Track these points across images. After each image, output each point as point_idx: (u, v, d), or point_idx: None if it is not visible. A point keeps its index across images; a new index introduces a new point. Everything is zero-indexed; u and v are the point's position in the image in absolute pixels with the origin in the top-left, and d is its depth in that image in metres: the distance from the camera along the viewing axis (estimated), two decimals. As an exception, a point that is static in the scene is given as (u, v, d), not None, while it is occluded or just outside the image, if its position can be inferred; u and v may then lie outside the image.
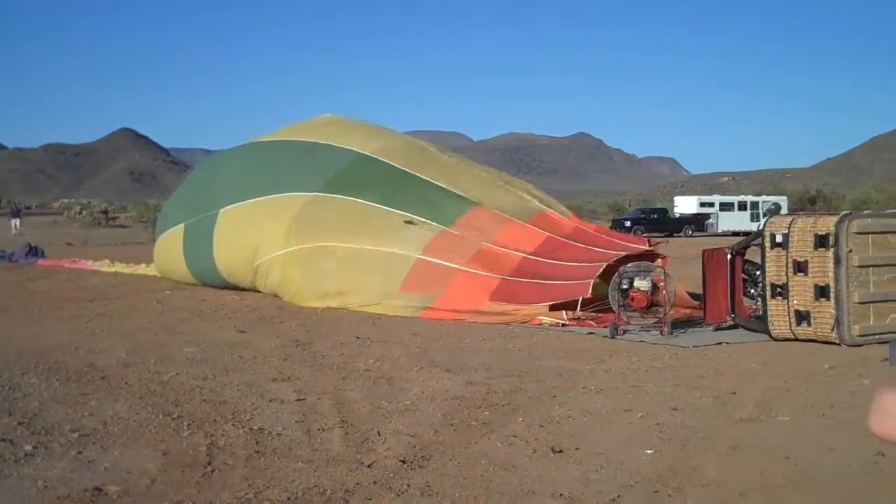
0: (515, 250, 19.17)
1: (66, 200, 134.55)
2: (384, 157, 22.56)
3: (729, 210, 70.67)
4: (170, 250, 24.74)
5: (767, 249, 15.12)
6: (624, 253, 18.68)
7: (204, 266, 23.25)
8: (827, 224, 14.49)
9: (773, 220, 15.63)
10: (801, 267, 14.63)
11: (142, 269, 27.50)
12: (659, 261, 19.09)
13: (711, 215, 69.46)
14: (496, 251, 19.20)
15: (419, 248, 19.43)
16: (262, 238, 21.35)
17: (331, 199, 21.44)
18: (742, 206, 71.53)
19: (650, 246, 19.75)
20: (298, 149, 24.21)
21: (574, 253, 19.08)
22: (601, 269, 17.67)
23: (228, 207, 23.06)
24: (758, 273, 15.68)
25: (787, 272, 14.78)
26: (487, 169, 25.30)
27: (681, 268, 21.95)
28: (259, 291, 21.70)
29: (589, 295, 17.27)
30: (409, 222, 19.87)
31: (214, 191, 24.21)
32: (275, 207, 21.95)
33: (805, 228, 14.72)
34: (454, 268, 18.86)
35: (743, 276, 16.15)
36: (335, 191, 21.59)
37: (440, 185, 21.41)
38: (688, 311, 18.10)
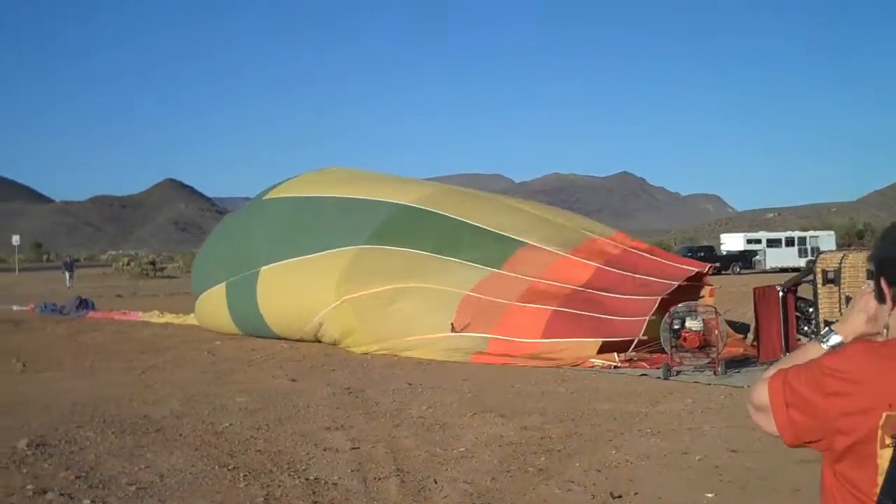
0: (566, 283, 19.12)
1: (113, 252, 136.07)
2: (425, 206, 22.70)
3: (776, 246, 69.99)
4: (213, 308, 24.96)
5: (819, 286, 14.98)
6: (676, 283, 18.56)
7: (252, 323, 23.46)
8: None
9: (824, 255, 15.50)
10: (854, 303, 14.45)
11: (191, 319, 27.61)
12: (706, 289, 19.05)
13: (759, 252, 68.88)
14: (546, 286, 19.16)
15: (469, 286, 19.47)
16: (311, 296, 21.45)
17: (377, 249, 21.55)
18: (790, 242, 70.85)
19: (703, 271, 19.72)
20: (332, 204, 24.38)
21: (626, 285, 18.94)
22: (655, 306, 17.56)
23: (270, 266, 23.22)
24: (811, 310, 15.52)
25: (840, 308, 14.61)
26: (526, 203, 25.38)
27: (730, 305, 21.78)
28: (310, 341, 21.72)
29: (642, 336, 17.17)
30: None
31: (251, 249, 24.36)
32: (321, 264, 22.08)
33: (856, 264, 14.56)
34: (504, 303, 18.82)
35: (796, 313, 16.00)
36: (380, 242, 21.72)
37: (485, 227, 21.42)
38: (741, 349, 17.92)
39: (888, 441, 2.40)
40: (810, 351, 2.67)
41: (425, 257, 20.83)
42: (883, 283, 2.59)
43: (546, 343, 17.81)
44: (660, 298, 17.82)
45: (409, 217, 22.50)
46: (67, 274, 57.96)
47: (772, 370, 2.62)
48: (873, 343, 2.57)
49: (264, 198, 27.18)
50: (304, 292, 21.74)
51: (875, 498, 2.44)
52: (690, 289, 19.87)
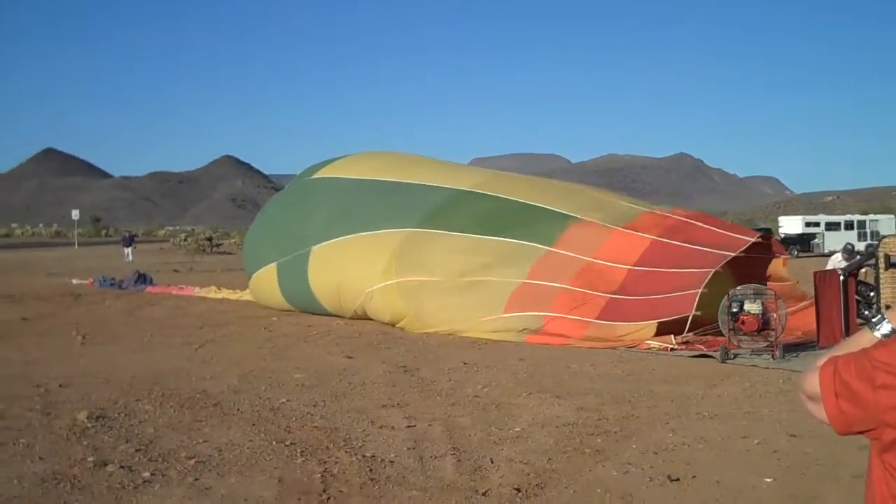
0: (620, 263, 18.99)
1: (171, 227, 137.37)
2: (479, 189, 22.74)
3: (835, 230, 69.09)
4: (266, 288, 25.16)
5: (881, 270, 14.73)
6: (731, 254, 18.40)
7: (304, 301, 23.66)
8: (944, 244, 14.08)
9: (886, 240, 15.24)
10: (917, 288, 14.23)
11: (248, 295, 27.77)
12: (778, 260, 18.95)
13: (817, 235, 68.10)
14: (600, 266, 19.04)
15: (524, 273, 19.39)
16: (360, 275, 21.53)
17: (429, 234, 21.55)
18: (849, 226, 69.93)
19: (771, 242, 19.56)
20: (385, 187, 24.46)
21: (681, 257, 18.72)
22: (707, 279, 17.37)
23: (320, 245, 23.37)
24: (872, 294, 15.31)
25: (903, 294, 14.38)
26: (581, 185, 25.38)
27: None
28: (364, 318, 21.78)
29: (694, 311, 16.95)
30: None
31: (301, 230, 24.47)
32: (372, 243, 22.18)
33: (921, 248, 14.31)
34: (559, 287, 18.77)
35: (856, 297, 15.79)
36: (432, 227, 21.72)
37: (538, 205, 21.39)
38: (800, 334, 17.72)
39: None
40: (862, 338, 2.65)
41: (475, 240, 20.84)
42: None
43: (602, 325, 17.73)
44: (713, 271, 17.61)
45: (462, 201, 22.51)
46: (127, 249, 58.45)
47: (823, 358, 2.61)
48: None
49: (313, 177, 27.29)
50: (353, 270, 21.84)
51: None
52: (759, 262, 19.74)
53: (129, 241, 60.85)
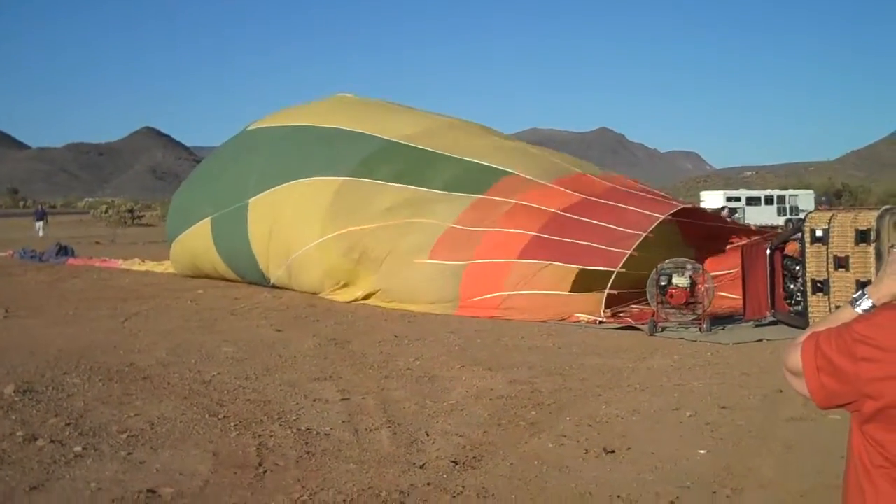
0: (547, 207, 19.10)
1: (90, 199, 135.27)
2: (413, 142, 22.60)
3: (756, 204, 70.05)
4: (198, 247, 24.66)
5: (808, 245, 14.95)
6: (661, 216, 18.57)
7: (239, 258, 23.34)
8: (868, 219, 14.29)
9: (812, 214, 15.47)
10: (841, 262, 14.44)
11: (172, 267, 27.45)
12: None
13: (738, 210, 68.91)
14: (527, 207, 19.14)
15: (452, 217, 19.51)
16: (296, 229, 21.43)
17: (361, 182, 21.45)
18: (769, 201, 70.92)
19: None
20: (321, 135, 24.08)
21: (609, 215, 18.76)
22: (638, 241, 17.49)
23: (258, 196, 23.08)
24: (797, 268, 15.52)
25: (827, 268, 14.62)
26: (515, 141, 25.40)
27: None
28: (291, 290, 21.65)
29: (620, 268, 17.06)
30: None
31: (240, 182, 24.04)
32: (305, 193, 21.99)
33: (845, 223, 14.52)
34: (484, 230, 18.88)
35: (782, 271, 16.00)
36: (365, 175, 21.60)
37: (472, 160, 21.41)
38: (726, 306, 17.92)
39: None
40: (843, 314, 2.68)
41: (408, 190, 20.84)
42: None
43: (522, 264, 17.79)
44: (644, 234, 17.73)
45: (395, 152, 22.34)
46: (39, 223, 56.84)
47: (805, 334, 2.66)
48: None
49: (249, 128, 26.97)
50: (289, 225, 21.69)
51: None
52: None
53: (41, 214, 58.99)
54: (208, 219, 24.26)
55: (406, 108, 27.24)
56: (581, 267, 17.39)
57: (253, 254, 22.79)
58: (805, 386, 2.59)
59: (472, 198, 19.92)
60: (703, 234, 20.68)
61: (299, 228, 21.37)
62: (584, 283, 17.40)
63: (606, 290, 17.03)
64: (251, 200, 23.16)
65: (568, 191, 19.77)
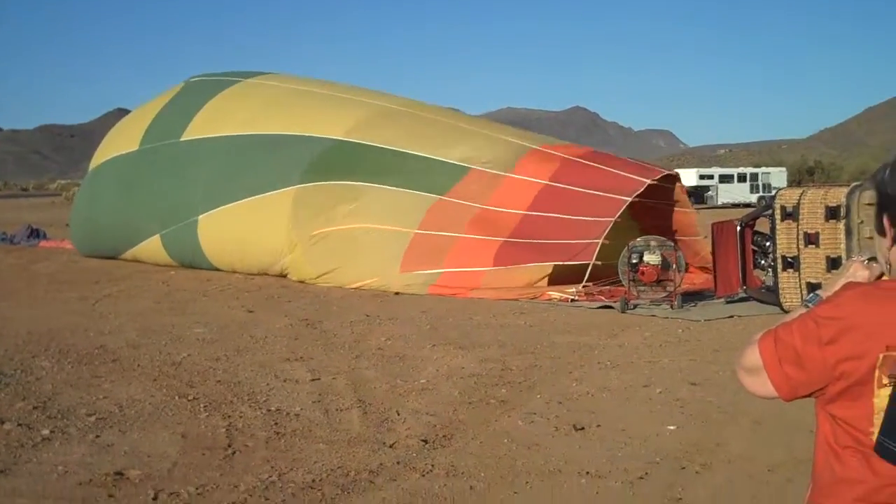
0: (512, 209, 19.04)
1: (63, 181, 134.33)
2: (361, 139, 21.88)
3: (728, 182, 70.34)
4: (154, 259, 23.86)
5: (778, 221, 14.97)
6: (628, 199, 18.45)
7: (204, 266, 22.71)
8: (837, 195, 14.31)
9: (783, 191, 15.49)
10: (811, 239, 14.47)
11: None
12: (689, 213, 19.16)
13: (711, 188, 69.16)
14: (493, 213, 19.07)
15: (416, 222, 19.32)
16: (262, 244, 21.05)
17: (318, 186, 20.94)
18: (742, 178, 71.23)
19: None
20: (262, 143, 22.94)
21: (575, 202, 18.71)
22: (606, 230, 17.55)
23: (210, 213, 22.31)
24: (768, 245, 15.56)
25: (798, 244, 14.65)
26: (473, 121, 25.12)
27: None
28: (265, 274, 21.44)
29: (593, 260, 17.15)
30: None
31: (181, 196, 23.12)
32: (264, 208, 21.39)
33: (815, 200, 14.54)
34: (453, 236, 18.81)
35: (753, 247, 16.03)
36: (321, 178, 21.07)
37: (427, 155, 20.99)
38: (697, 283, 17.98)
39: (885, 381, 2.42)
40: (795, 315, 2.66)
41: (366, 189, 20.46)
42: (885, 220, 2.57)
43: (498, 271, 17.82)
44: (612, 221, 17.76)
45: (344, 152, 21.70)
46: None
47: (759, 333, 2.64)
48: (864, 286, 2.57)
49: (181, 139, 24.75)
50: (252, 241, 21.22)
51: (870, 433, 2.45)
52: (665, 212, 20.06)
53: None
54: (157, 236, 23.47)
55: (338, 96, 25.42)
56: (556, 263, 17.51)
57: (214, 265, 22.39)
58: (766, 382, 2.56)
59: (433, 199, 19.68)
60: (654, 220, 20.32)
61: (266, 244, 20.95)
62: (561, 273, 17.51)
63: (585, 280, 17.35)
64: (201, 217, 22.43)
65: (528, 179, 19.63)
